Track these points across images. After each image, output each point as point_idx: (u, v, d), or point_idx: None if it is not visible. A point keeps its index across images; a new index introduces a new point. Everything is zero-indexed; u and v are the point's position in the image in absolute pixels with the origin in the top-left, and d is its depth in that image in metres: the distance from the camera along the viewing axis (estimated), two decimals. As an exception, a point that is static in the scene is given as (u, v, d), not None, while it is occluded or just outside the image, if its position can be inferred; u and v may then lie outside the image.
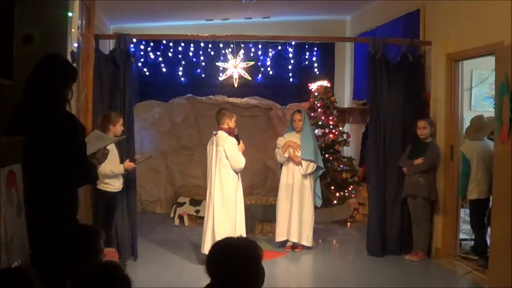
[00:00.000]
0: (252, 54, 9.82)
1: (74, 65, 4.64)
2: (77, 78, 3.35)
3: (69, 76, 3.05)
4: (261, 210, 7.54)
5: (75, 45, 4.95)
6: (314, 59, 9.94)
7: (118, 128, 5.40)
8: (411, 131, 6.36)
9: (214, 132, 5.91)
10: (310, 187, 6.53)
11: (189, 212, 7.95)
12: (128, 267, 5.49)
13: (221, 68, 9.80)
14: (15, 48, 2.89)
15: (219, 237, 5.63)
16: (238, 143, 5.86)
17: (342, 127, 8.85)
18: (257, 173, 8.94)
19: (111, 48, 6.54)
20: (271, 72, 9.86)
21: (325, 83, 8.92)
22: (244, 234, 5.90)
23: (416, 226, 6.28)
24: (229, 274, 2.07)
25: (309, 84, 9.13)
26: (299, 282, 5.74)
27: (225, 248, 2.16)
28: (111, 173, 5.39)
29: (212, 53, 9.63)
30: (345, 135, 8.75)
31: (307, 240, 6.55)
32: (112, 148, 5.35)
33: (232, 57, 9.75)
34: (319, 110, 8.65)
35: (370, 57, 6.44)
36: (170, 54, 9.58)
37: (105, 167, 5.22)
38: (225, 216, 5.77)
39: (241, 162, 5.80)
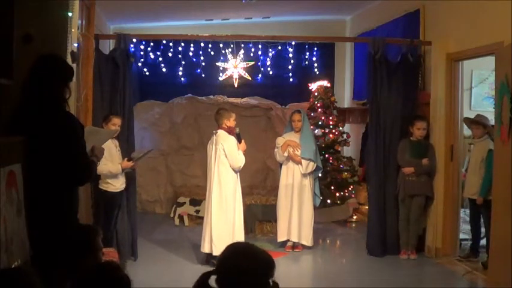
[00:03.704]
0: (252, 54, 9.82)
1: (74, 65, 4.65)
2: (73, 76, 3.33)
3: (66, 75, 3.04)
4: (260, 210, 7.54)
5: (75, 45, 4.95)
6: (314, 59, 9.95)
7: (110, 126, 5.43)
8: (408, 131, 6.37)
9: (214, 131, 5.92)
10: (310, 187, 6.53)
11: (189, 212, 7.95)
12: (127, 267, 5.49)
13: (221, 68, 9.81)
14: (15, 48, 2.88)
15: (216, 237, 5.71)
16: (240, 142, 5.86)
17: (342, 127, 8.85)
18: (257, 173, 8.94)
19: (111, 48, 6.54)
20: (271, 72, 9.86)
21: (325, 83, 8.91)
22: (242, 234, 5.92)
23: (407, 225, 6.29)
24: (238, 275, 2.05)
25: (309, 84, 9.12)
26: (299, 282, 5.74)
27: (241, 250, 2.16)
28: (109, 172, 5.40)
29: (212, 53, 9.64)
30: (345, 135, 8.74)
31: (306, 240, 6.55)
32: (112, 148, 5.37)
33: (232, 57, 9.75)
34: (319, 110, 8.64)
35: (370, 57, 6.44)
36: (170, 54, 9.59)
37: (103, 167, 5.23)
38: (223, 216, 5.77)
39: (239, 161, 5.79)
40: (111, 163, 5.38)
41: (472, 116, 6.14)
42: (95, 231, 2.75)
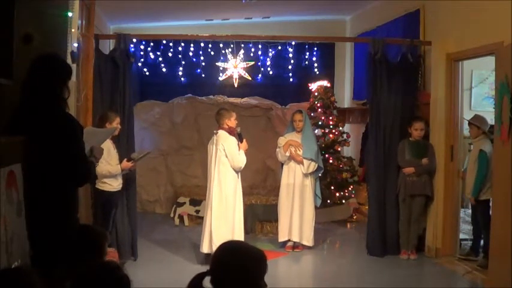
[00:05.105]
0: (252, 54, 9.83)
1: (74, 65, 4.65)
2: (72, 75, 3.33)
3: (65, 75, 3.04)
4: (261, 210, 7.54)
5: (75, 45, 4.95)
6: (314, 59, 9.95)
7: (114, 126, 5.41)
8: (407, 132, 6.37)
9: (214, 131, 5.92)
10: (311, 187, 6.53)
11: (189, 212, 7.95)
12: (127, 267, 5.49)
13: (221, 68, 9.81)
14: (15, 48, 2.89)
15: (215, 237, 5.71)
16: (241, 142, 5.86)
17: (342, 127, 8.85)
18: (257, 173, 8.93)
19: (111, 48, 6.54)
20: (271, 72, 9.87)
21: (325, 83, 8.91)
22: (242, 234, 5.92)
23: (407, 225, 6.30)
24: (231, 273, 2.05)
25: (309, 84, 9.12)
26: (299, 282, 5.74)
27: (233, 248, 2.16)
28: (108, 173, 5.37)
29: (212, 53, 9.64)
30: (345, 135, 8.74)
31: (307, 240, 6.55)
32: (110, 148, 5.35)
33: (232, 57, 9.76)
34: (319, 110, 8.64)
35: (370, 57, 6.44)
36: (170, 54, 9.59)
37: (102, 168, 5.21)
38: (222, 216, 5.77)
39: (240, 161, 5.79)
40: (109, 164, 5.37)
41: (472, 116, 6.15)
42: (104, 235, 2.74)
